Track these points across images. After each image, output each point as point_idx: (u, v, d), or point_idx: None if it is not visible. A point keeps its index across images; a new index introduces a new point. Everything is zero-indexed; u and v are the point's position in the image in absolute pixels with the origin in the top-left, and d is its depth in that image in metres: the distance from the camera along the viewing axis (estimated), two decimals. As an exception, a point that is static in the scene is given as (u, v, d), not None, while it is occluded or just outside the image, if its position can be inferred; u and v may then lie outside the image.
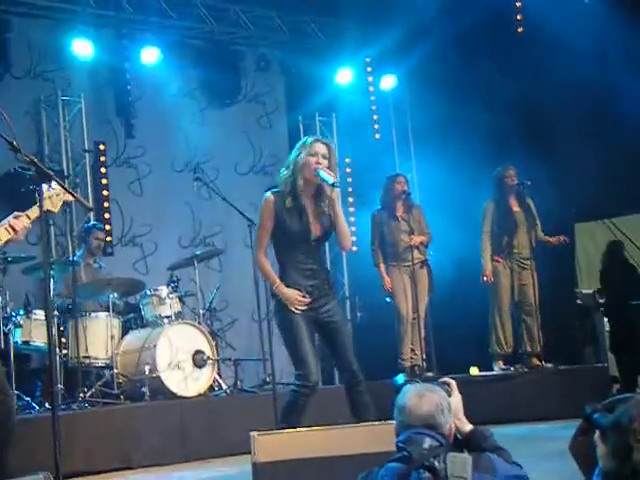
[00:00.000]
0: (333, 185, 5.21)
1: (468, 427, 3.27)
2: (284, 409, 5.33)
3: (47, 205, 4.45)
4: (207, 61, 10.51)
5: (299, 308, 5.24)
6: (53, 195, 4.56)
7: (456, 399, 3.29)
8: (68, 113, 9.69)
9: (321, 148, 5.28)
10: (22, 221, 4.36)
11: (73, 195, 4.49)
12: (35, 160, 4.20)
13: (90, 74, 9.87)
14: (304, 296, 5.27)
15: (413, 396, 3.04)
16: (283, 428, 5.01)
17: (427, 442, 2.93)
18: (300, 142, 5.42)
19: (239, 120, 10.95)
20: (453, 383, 3.33)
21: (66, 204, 4.51)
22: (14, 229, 4.33)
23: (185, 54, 10.53)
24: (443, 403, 3.05)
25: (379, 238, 8.93)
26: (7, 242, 4.44)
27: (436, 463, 2.86)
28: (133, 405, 7.63)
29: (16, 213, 4.41)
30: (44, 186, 4.34)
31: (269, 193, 5.31)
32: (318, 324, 5.35)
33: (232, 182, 10.44)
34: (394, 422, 3.10)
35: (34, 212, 4.42)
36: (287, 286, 5.27)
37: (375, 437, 4.28)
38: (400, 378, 4.13)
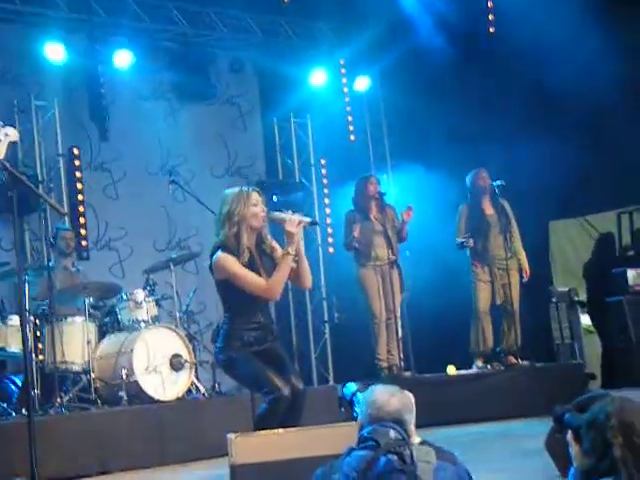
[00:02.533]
0: (315, 223, 5.30)
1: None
2: (259, 421, 5.25)
3: None
4: (180, 64, 10.49)
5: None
6: None
7: None
8: (41, 117, 9.66)
9: (258, 197, 5.20)
10: None
11: (46, 200, 4.48)
12: (7, 165, 4.17)
13: (63, 78, 9.83)
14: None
15: (384, 393, 3.13)
16: None
17: (392, 434, 3.03)
18: (231, 194, 5.22)
19: (213, 122, 10.95)
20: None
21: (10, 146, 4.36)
22: None
23: (158, 57, 10.51)
24: (409, 404, 3.15)
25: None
26: None
27: (403, 450, 2.98)
28: (111, 410, 7.60)
29: None
30: None
31: (220, 252, 5.12)
32: (260, 355, 5.23)
33: (207, 184, 10.41)
34: (359, 418, 3.17)
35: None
36: (234, 335, 5.17)
37: (352, 437, 4.30)
38: (350, 387, 4.15)
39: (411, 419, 3.11)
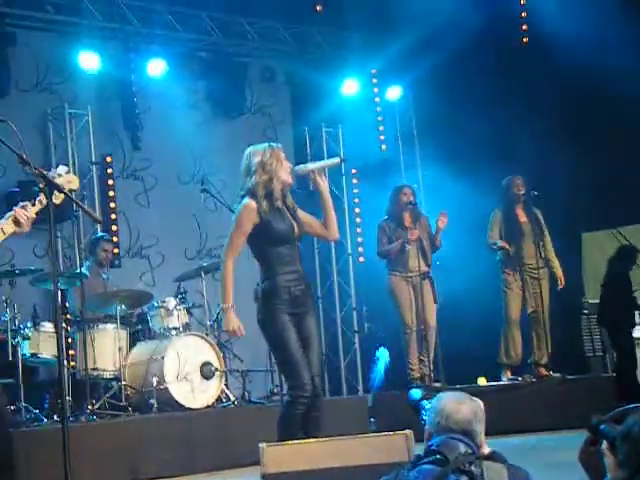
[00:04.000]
0: (341, 161, 5.56)
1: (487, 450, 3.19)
2: (288, 423, 5.25)
3: (55, 199, 4.37)
4: (213, 73, 10.54)
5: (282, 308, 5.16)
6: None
7: None
8: (75, 126, 9.71)
9: (283, 154, 5.34)
10: (27, 211, 4.26)
11: (81, 207, 4.50)
12: (44, 173, 4.21)
13: (97, 86, 9.90)
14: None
15: (452, 401, 3.03)
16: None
17: (462, 448, 2.90)
18: (260, 148, 5.33)
19: (245, 131, 10.95)
20: None
21: (71, 195, 4.38)
22: (18, 222, 4.24)
23: (191, 66, 10.56)
24: (479, 413, 3.03)
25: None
26: (13, 234, 4.32)
27: (473, 468, 2.84)
28: (141, 417, 7.63)
29: (22, 203, 4.33)
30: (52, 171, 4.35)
31: (247, 199, 5.24)
32: (299, 331, 5.23)
33: (238, 193, 10.42)
34: (427, 426, 3.05)
35: (39, 202, 4.31)
36: (276, 289, 5.19)
37: (383, 448, 4.28)
38: (416, 393, 4.12)
39: (481, 429, 3.00)
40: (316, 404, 5.22)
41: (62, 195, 4.34)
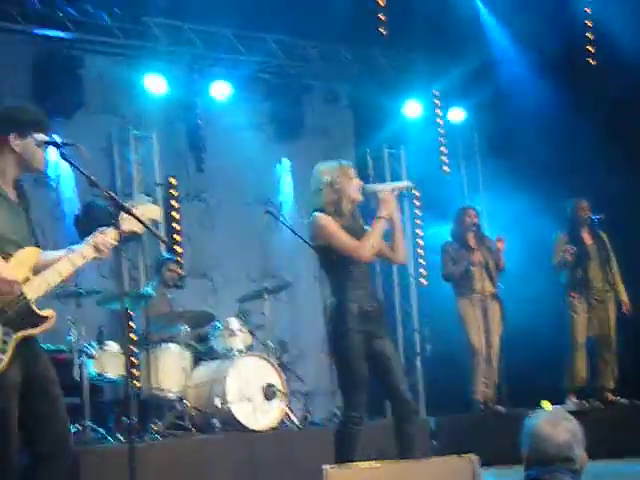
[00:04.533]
0: (411, 187, 5.69)
1: None
2: (343, 441, 5.28)
3: (133, 226, 4.43)
4: (277, 95, 10.60)
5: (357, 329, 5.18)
6: (138, 214, 4.48)
7: None
8: (140, 148, 9.84)
9: (353, 171, 5.40)
10: (107, 238, 4.30)
11: (150, 230, 4.53)
12: (114, 195, 4.26)
13: (161, 109, 10.02)
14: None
15: (549, 423, 2.91)
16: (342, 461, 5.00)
17: None
18: (330, 166, 5.39)
19: (308, 153, 10.98)
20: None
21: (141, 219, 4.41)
22: (98, 249, 4.30)
23: (255, 88, 10.63)
24: (578, 433, 2.92)
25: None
26: (93, 259, 4.37)
27: None
28: (204, 437, 7.66)
29: (101, 229, 4.35)
30: (136, 199, 4.42)
31: (320, 213, 5.27)
32: (370, 350, 5.26)
33: (301, 215, 10.48)
34: (523, 451, 2.95)
35: (117, 232, 4.35)
36: (346, 305, 5.20)
37: (447, 471, 4.24)
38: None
39: (581, 452, 2.88)
40: (412, 419, 5.29)
41: (134, 220, 4.39)
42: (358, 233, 5.31)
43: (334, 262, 5.30)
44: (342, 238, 5.24)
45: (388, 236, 5.46)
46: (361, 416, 5.18)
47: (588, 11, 9.87)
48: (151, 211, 4.60)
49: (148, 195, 4.55)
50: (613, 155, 9.68)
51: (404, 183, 5.58)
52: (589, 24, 9.98)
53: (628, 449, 7.85)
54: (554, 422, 2.88)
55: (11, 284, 3.98)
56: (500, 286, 9.08)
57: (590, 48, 9.95)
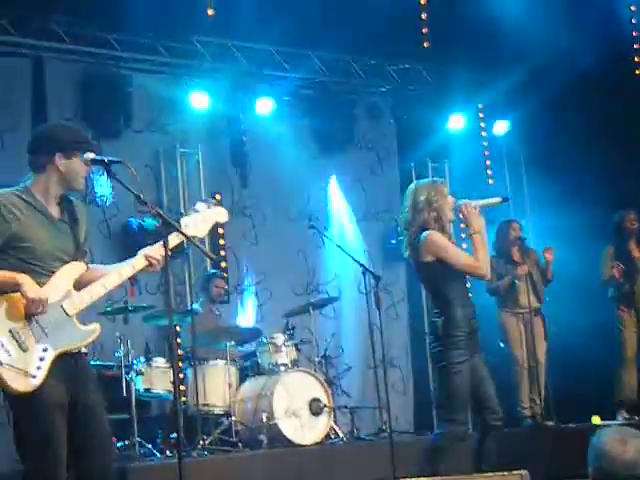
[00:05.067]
0: (505, 200, 5.65)
1: None
2: (438, 454, 5.31)
3: (191, 231, 4.45)
4: (320, 110, 10.61)
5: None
6: (198, 219, 4.52)
7: None
8: (186, 164, 9.91)
9: (446, 189, 5.54)
10: (160, 250, 4.34)
11: (198, 246, 4.56)
12: (161, 212, 4.29)
13: (206, 125, 10.07)
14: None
15: (615, 441, 2.80)
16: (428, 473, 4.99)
17: None
18: (425, 184, 5.54)
19: (352, 167, 11.02)
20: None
21: (188, 236, 4.44)
22: (150, 259, 4.33)
23: (298, 104, 10.66)
24: None
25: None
26: (143, 271, 4.40)
27: None
28: (251, 453, 7.67)
29: (158, 244, 4.36)
30: (198, 205, 4.46)
31: (429, 230, 5.39)
32: (471, 365, 5.40)
33: (345, 229, 10.50)
34: (590, 469, 2.87)
35: (172, 241, 4.38)
36: (456, 322, 5.32)
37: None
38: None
39: None
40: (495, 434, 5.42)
41: (207, 227, 4.44)
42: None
43: (439, 280, 5.41)
44: (460, 254, 5.42)
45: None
46: (466, 431, 5.32)
47: (634, 21, 9.78)
48: (219, 214, 4.63)
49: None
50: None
51: (496, 199, 5.66)
52: (635, 34, 9.89)
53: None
54: (622, 440, 2.76)
55: (38, 303, 4.01)
56: (546, 299, 9.01)
57: (637, 58, 9.85)
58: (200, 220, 4.52)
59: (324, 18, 9.41)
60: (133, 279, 4.50)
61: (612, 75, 10.03)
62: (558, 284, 9.06)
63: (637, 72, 9.88)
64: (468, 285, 5.60)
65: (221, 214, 4.64)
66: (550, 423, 8.61)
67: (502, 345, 8.90)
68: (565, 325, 9.22)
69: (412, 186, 5.58)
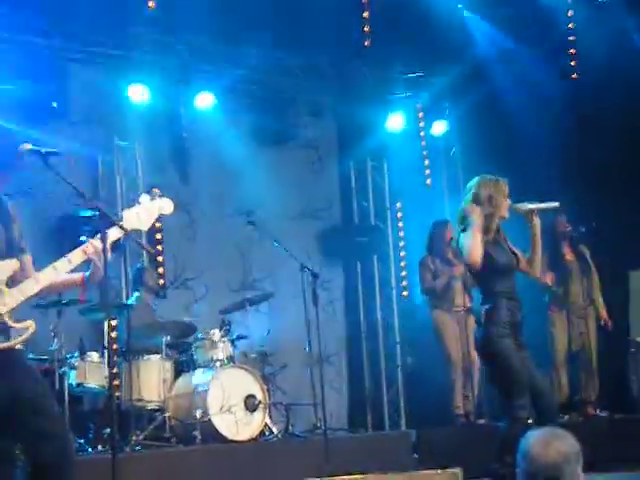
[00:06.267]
0: (554, 207, 5.91)
1: None
2: (510, 442, 5.28)
3: (133, 224, 4.42)
4: (261, 106, 10.58)
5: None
6: (142, 212, 4.49)
7: None
8: (123, 158, 9.82)
9: (507, 189, 5.72)
10: (97, 244, 4.27)
11: (137, 241, 4.54)
12: (100, 206, 4.25)
13: (145, 119, 9.98)
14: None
15: (539, 442, 2.81)
16: (507, 463, 4.94)
17: None
18: (490, 181, 5.71)
19: (291, 165, 11.02)
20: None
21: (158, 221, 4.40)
22: (87, 252, 4.27)
23: (239, 100, 10.62)
24: (571, 453, 2.79)
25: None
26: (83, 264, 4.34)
27: None
28: (185, 449, 7.64)
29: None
30: (142, 197, 4.41)
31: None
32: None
33: (283, 227, 10.47)
34: (517, 470, 2.89)
35: (112, 235, 4.33)
36: (500, 312, 5.50)
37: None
38: None
39: (573, 472, 2.75)
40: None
41: (151, 220, 4.40)
42: (503, 247, 5.67)
43: (485, 276, 5.61)
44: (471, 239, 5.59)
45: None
46: (529, 417, 5.37)
47: (571, 26, 9.92)
48: (164, 205, 4.59)
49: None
50: (601, 167, 9.73)
51: (553, 203, 5.87)
52: (571, 37, 10.03)
53: (608, 462, 7.86)
54: (546, 442, 2.78)
55: None
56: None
57: (573, 62, 10.00)
58: (143, 212, 4.48)
59: (266, 14, 9.39)
60: (84, 285, 4.41)
61: (550, 76, 10.16)
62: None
63: (573, 76, 10.01)
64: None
65: (166, 205, 4.61)
66: (482, 421, 8.71)
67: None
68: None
69: (477, 179, 5.74)
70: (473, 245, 5.48)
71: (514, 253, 5.76)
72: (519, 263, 5.78)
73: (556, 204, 5.96)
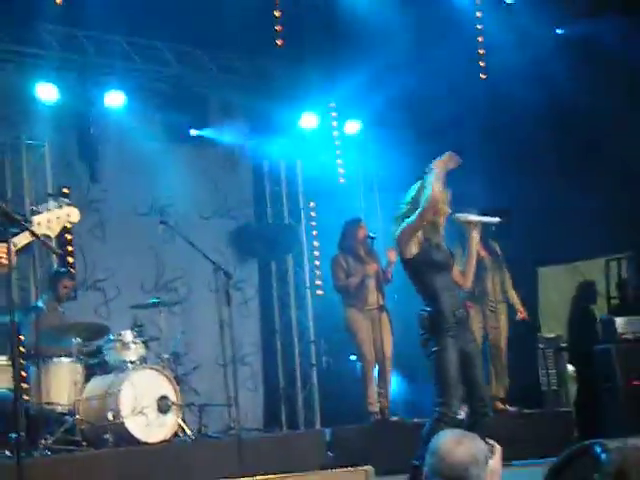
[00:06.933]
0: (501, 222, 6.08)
1: None
2: (428, 438, 5.28)
3: (43, 230, 4.33)
4: (172, 104, 10.45)
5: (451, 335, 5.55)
6: (51, 218, 4.42)
7: (496, 465, 2.97)
8: (31, 157, 9.63)
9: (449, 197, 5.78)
10: (2, 248, 4.17)
11: (44, 243, 4.43)
12: (8, 210, 4.13)
13: (54, 118, 9.77)
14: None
15: (449, 441, 2.79)
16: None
17: None
18: (430, 179, 5.70)
19: (204, 164, 10.94)
20: (497, 448, 3.04)
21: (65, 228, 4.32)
22: None
23: (149, 97, 10.49)
24: (479, 455, 2.78)
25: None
26: None
27: None
28: (96, 452, 7.52)
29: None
30: (50, 203, 4.32)
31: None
32: (460, 353, 5.63)
33: (196, 226, 10.40)
34: (425, 467, 2.85)
35: (21, 239, 4.23)
36: (442, 313, 5.60)
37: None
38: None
39: (480, 473, 2.74)
40: (485, 419, 5.71)
41: (59, 227, 4.31)
42: (441, 248, 5.75)
43: (424, 273, 5.73)
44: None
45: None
46: (457, 416, 5.47)
47: (480, 27, 10.07)
48: (71, 214, 4.51)
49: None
50: (509, 162, 9.88)
51: (494, 219, 5.95)
52: (480, 38, 10.18)
53: (517, 455, 7.99)
54: (458, 440, 2.77)
55: None
56: (395, 296, 9.15)
57: (482, 63, 10.14)
58: (53, 219, 4.40)
59: (178, 10, 9.32)
60: None
61: (460, 75, 10.28)
62: (404, 280, 9.20)
63: (482, 76, 10.15)
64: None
65: (73, 214, 4.55)
66: (395, 418, 8.76)
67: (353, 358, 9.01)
68: (413, 323, 9.37)
69: (425, 180, 5.75)
70: (436, 188, 5.57)
71: (451, 254, 5.91)
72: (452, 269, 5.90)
73: (497, 219, 6.05)
